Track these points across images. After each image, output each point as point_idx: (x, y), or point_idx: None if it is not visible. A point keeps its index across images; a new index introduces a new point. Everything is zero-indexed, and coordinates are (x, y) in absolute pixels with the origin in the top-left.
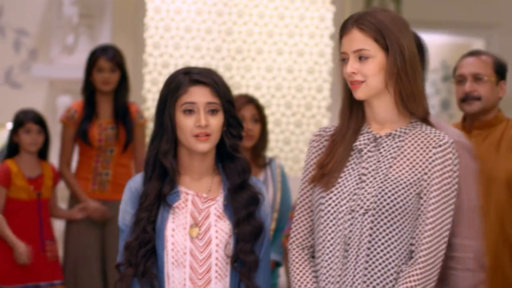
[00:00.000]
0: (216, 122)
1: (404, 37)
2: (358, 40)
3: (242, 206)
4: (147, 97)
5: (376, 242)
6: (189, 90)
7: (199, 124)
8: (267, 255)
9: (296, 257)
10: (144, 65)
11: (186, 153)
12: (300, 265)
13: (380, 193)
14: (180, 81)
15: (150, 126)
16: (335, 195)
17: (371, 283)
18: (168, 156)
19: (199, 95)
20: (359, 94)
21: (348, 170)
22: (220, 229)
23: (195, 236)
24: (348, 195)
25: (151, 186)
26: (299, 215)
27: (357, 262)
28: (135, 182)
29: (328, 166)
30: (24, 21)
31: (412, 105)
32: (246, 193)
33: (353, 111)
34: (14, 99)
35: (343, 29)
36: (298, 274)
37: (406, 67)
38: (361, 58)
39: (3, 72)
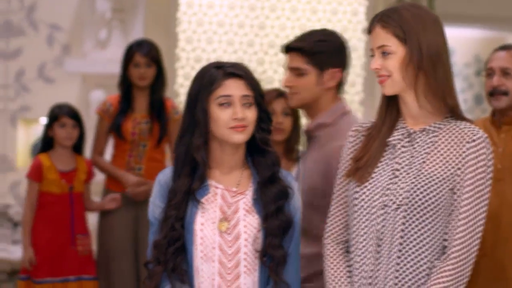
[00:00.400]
0: (251, 114)
1: (426, 33)
2: (380, 36)
3: (271, 200)
4: (179, 91)
5: (408, 238)
6: (224, 83)
7: (236, 117)
8: (297, 250)
9: (331, 252)
10: (176, 60)
11: (218, 147)
12: (335, 260)
13: (412, 188)
14: (214, 75)
15: None
16: (368, 189)
17: (403, 278)
18: (201, 150)
19: (235, 88)
20: (385, 90)
21: (382, 165)
22: (249, 224)
23: (224, 231)
24: (381, 190)
25: (180, 183)
26: (334, 210)
27: (389, 257)
28: (165, 175)
29: (362, 160)
30: (57, 16)
31: (434, 101)
32: (275, 187)
33: (389, 106)
34: (47, 94)
35: (370, 26)
36: (332, 269)
37: (423, 63)
38: (384, 54)
39: (36, 67)
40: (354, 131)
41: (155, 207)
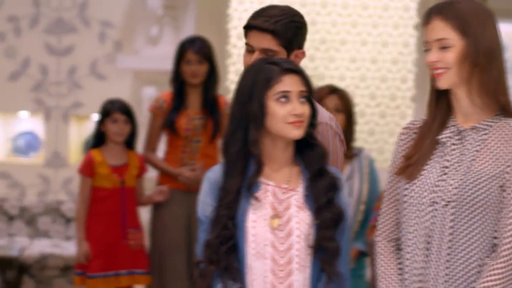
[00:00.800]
0: (307, 110)
1: (484, 28)
2: (439, 29)
3: (322, 192)
4: (231, 88)
5: (458, 234)
6: (283, 79)
7: (295, 113)
8: (347, 244)
9: (382, 249)
10: (228, 56)
11: (270, 143)
12: (386, 257)
13: (461, 185)
14: (271, 71)
15: None
16: (417, 186)
17: (453, 275)
18: (257, 144)
19: (293, 84)
20: (441, 83)
21: (432, 162)
22: (301, 220)
23: (276, 228)
24: (430, 186)
25: (232, 182)
26: (385, 207)
27: (439, 254)
28: (214, 173)
29: (413, 158)
30: (109, 13)
31: (486, 97)
32: (325, 179)
33: (438, 103)
34: (99, 90)
35: (426, 19)
36: (383, 266)
37: (479, 58)
38: (443, 47)
39: (88, 64)
40: (405, 129)
41: (205, 205)
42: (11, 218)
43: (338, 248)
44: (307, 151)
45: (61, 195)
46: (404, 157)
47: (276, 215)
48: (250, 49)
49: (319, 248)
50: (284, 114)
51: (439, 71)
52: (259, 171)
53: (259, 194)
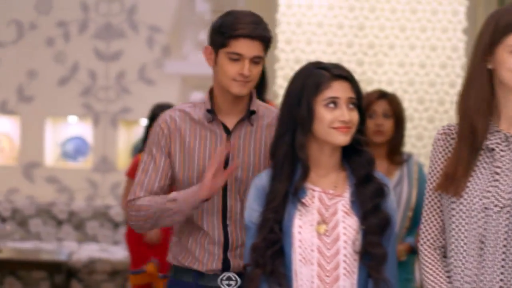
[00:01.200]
0: (355, 116)
1: None
2: None
3: (368, 198)
4: (279, 93)
5: None
6: (332, 85)
7: (343, 119)
8: (394, 251)
9: (429, 258)
10: (276, 61)
11: (317, 147)
12: (433, 266)
13: None
14: (321, 76)
15: None
16: (466, 193)
17: (508, 281)
18: (304, 148)
19: (342, 90)
20: None
21: (479, 169)
22: (348, 226)
23: (322, 233)
24: (481, 193)
25: (279, 186)
26: (428, 215)
27: (494, 260)
28: (261, 179)
29: (456, 173)
30: (157, 18)
31: None
32: (371, 185)
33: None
34: (148, 95)
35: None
36: (431, 275)
37: None
38: None
39: (136, 69)
40: (442, 135)
41: (252, 211)
42: (59, 223)
43: (385, 254)
44: (354, 156)
45: (109, 200)
46: (445, 174)
47: (323, 221)
48: (235, 58)
49: (365, 254)
50: (331, 120)
51: None
52: (305, 175)
53: (306, 199)
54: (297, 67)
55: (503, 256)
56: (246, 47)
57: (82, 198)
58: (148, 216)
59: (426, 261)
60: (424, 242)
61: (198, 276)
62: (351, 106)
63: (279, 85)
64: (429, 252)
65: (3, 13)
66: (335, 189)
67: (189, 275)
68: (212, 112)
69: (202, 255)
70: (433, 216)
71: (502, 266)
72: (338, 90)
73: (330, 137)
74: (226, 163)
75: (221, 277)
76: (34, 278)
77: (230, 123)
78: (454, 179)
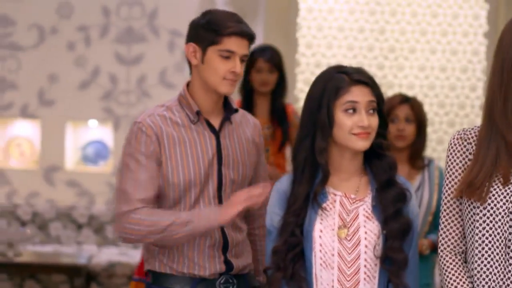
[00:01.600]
0: (375, 121)
1: None
2: None
3: (390, 203)
4: (299, 97)
5: None
6: (351, 90)
7: (362, 125)
8: (416, 255)
9: (450, 263)
10: (296, 65)
11: (337, 152)
12: (456, 271)
13: None
14: (341, 80)
15: None
16: (492, 200)
17: None
18: (323, 153)
19: (361, 95)
20: None
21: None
22: (369, 230)
23: (343, 237)
24: (504, 197)
25: (300, 189)
26: (447, 220)
27: None
28: (282, 183)
29: (480, 179)
30: (177, 22)
31: None
32: (393, 190)
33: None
34: (168, 99)
35: None
36: (454, 281)
37: None
38: None
39: (157, 73)
40: (458, 140)
41: (274, 215)
42: (79, 226)
43: (406, 259)
44: (375, 161)
45: None
46: (468, 179)
47: (344, 225)
48: (226, 56)
49: (386, 259)
50: (351, 125)
51: None
52: (325, 180)
53: (327, 204)
54: (317, 71)
55: None
56: (238, 45)
57: (102, 202)
58: (150, 232)
59: (448, 266)
60: (445, 248)
61: (196, 282)
62: (371, 111)
63: (300, 89)
64: (450, 258)
65: (24, 17)
66: (356, 193)
67: (185, 282)
68: (199, 113)
69: (202, 259)
70: (453, 222)
71: None
72: (358, 94)
73: (350, 143)
74: (219, 162)
75: (219, 280)
76: (54, 281)
77: (214, 122)
78: (478, 185)
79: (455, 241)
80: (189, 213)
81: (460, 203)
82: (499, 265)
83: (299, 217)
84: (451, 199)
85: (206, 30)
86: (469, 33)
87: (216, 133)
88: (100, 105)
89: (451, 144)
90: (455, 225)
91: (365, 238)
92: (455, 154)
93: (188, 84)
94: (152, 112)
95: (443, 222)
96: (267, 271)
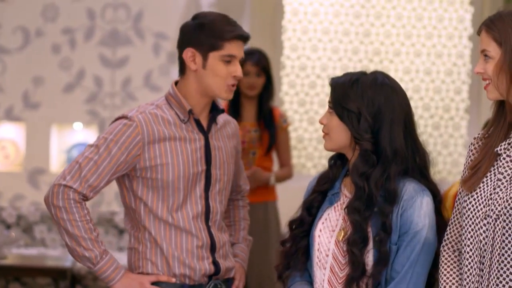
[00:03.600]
0: (331, 121)
1: None
2: (484, 40)
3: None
4: (284, 99)
5: (508, 249)
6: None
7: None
8: (417, 267)
9: (446, 258)
10: (281, 68)
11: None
12: (448, 266)
13: (511, 198)
14: None
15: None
16: (474, 199)
17: None
18: (335, 156)
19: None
20: (488, 95)
21: (490, 175)
22: None
23: (340, 240)
24: (485, 200)
25: (325, 172)
26: (453, 218)
27: (490, 269)
28: (314, 179)
29: (475, 169)
30: (163, 25)
31: None
32: (381, 219)
33: (500, 113)
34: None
35: (478, 30)
36: (445, 275)
37: None
38: (486, 58)
39: (142, 75)
40: (475, 139)
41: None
42: None
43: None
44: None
45: (114, 206)
46: (469, 167)
47: (344, 228)
48: (228, 60)
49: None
50: None
51: (485, 82)
52: (334, 179)
53: (337, 204)
54: (302, 74)
55: (499, 267)
56: (238, 49)
57: (87, 204)
58: (63, 227)
59: (444, 262)
60: (446, 244)
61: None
62: (330, 111)
63: (285, 92)
64: (447, 253)
65: (9, 20)
66: None
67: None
68: (191, 113)
69: (192, 260)
70: (457, 219)
71: (497, 278)
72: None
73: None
74: (208, 162)
75: (208, 285)
76: (39, 284)
77: (203, 122)
78: (472, 175)
79: (455, 238)
80: (103, 250)
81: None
82: (477, 267)
83: (314, 198)
84: (459, 198)
85: (206, 35)
86: (454, 36)
87: (205, 133)
88: (85, 108)
89: (470, 144)
90: (458, 222)
91: None
92: (470, 153)
93: (176, 83)
94: (143, 110)
95: (451, 220)
96: (284, 243)
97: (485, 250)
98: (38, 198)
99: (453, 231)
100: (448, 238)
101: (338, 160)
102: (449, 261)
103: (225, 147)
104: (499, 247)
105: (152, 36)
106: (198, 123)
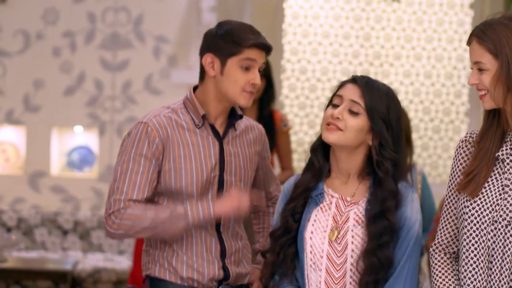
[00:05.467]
0: (351, 120)
1: None
2: (476, 52)
3: (374, 235)
4: (285, 103)
5: None
6: (344, 86)
7: (331, 114)
8: (410, 263)
9: (439, 261)
10: (282, 71)
11: (332, 151)
12: (443, 269)
13: None
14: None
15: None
16: (478, 205)
17: None
18: (318, 152)
19: (349, 92)
20: (484, 105)
21: (491, 179)
22: (356, 235)
23: (333, 240)
24: (491, 205)
25: (302, 179)
26: (444, 220)
27: (501, 274)
28: (289, 183)
29: (472, 174)
30: (163, 28)
31: None
32: (382, 223)
33: (494, 117)
34: (154, 105)
35: (468, 40)
36: (440, 277)
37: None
38: (480, 70)
39: (143, 79)
40: (464, 142)
41: (277, 214)
42: (65, 232)
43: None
44: (377, 182)
45: None
46: (464, 173)
47: (336, 227)
48: (247, 66)
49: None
50: (326, 116)
51: (481, 92)
52: (317, 178)
53: (323, 204)
54: (303, 78)
55: (511, 270)
56: (258, 55)
57: (87, 208)
58: (142, 227)
59: (437, 264)
60: (437, 247)
61: None
62: (353, 111)
63: (285, 95)
64: (440, 256)
65: (10, 23)
66: (352, 196)
67: None
68: (205, 118)
69: (201, 264)
70: (449, 223)
71: (510, 281)
72: (345, 90)
73: (322, 133)
74: (221, 167)
75: None
76: (39, 287)
77: (219, 128)
78: (470, 180)
79: (448, 241)
80: (184, 206)
81: (457, 202)
82: (484, 272)
83: (297, 204)
84: (452, 199)
85: (226, 41)
86: (454, 39)
87: (220, 139)
88: (85, 111)
89: (457, 146)
90: (451, 226)
91: (352, 242)
92: (459, 156)
93: (195, 89)
94: (158, 113)
95: (440, 221)
96: (265, 254)
97: (493, 254)
98: (38, 201)
99: (445, 234)
100: (439, 242)
101: (320, 152)
102: (442, 264)
103: (243, 153)
104: (511, 252)
105: (152, 39)
106: (213, 128)
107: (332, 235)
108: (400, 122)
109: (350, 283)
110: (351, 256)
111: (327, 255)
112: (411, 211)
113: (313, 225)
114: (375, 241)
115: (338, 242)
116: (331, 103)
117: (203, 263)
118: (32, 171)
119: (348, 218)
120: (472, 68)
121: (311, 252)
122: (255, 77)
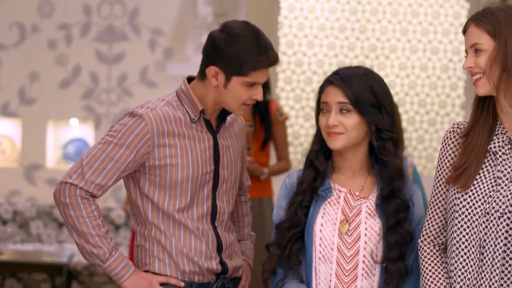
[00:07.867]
0: (347, 121)
1: None
2: (473, 34)
3: (391, 214)
4: (280, 95)
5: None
6: (326, 90)
7: (327, 124)
8: (416, 264)
9: (428, 253)
10: (278, 64)
11: (336, 151)
12: (432, 261)
13: None
14: (324, 81)
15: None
16: (469, 196)
17: (507, 286)
18: (319, 156)
19: (332, 95)
20: (478, 90)
21: (483, 172)
22: (369, 227)
23: (344, 232)
24: (483, 197)
25: (306, 177)
26: (432, 212)
27: (493, 266)
28: (291, 178)
29: (463, 167)
30: (159, 21)
31: None
32: (395, 201)
33: (484, 109)
34: (149, 98)
35: (464, 28)
36: (430, 271)
37: (508, 62)
38: (477, 51)
39: (138, 72)
40: (451, 133)
41: (280, 209)
42: (60, 225)
43: (403, 271)
44: (380, 165)
45: (110, 202)
46: (454, 167)
47: (346, 220)
48: (251, 84)
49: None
50: (323, 125)
51: (476, 76)
52: (322, 178)
53: (331, 199)
54: (298, 70)
55: (503, 262)
56: (264, 76)
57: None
58: (72, 226)
59: (426, 256)
60: (425, 239)
61: (194, 286)
62: (344, 111)
63: (281, 88)
64: (428, 248)
65: (5, 15)
66: (361, 191)
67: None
68: (203, 113)
69: (200, 259)
70: (437, 214)
71: (502, 272)
72: (328, 95)
73: (327, 142)
74: (216, 162)
75: (216, 284)
76: (35, 280)
77: (213, 122)
78: (461, 173)
79: (436, 232)
80: (114, 250)
81: (447, 194)
82: (474, 264)
83: (305, 198)
84: (440, 191)
85: (233, 60)
86: (450, 32)
87: (214, 132)
88: (81, 104)
89: (444, 137)
90: (439, 217)
91: (365, 235)
92: (448, 146)
93: (189, 80)
94: (154, 107)
95: (428, 214)
96: (270, 247)
97: (485, 246)
98: (34, 194)
99: (433, 225)
100: (427, 233)
101: (321, 155)
102: (431, 256)
103: (233, 145)
104: (503, 244)
105: (148, 32)
106: (207, 122)
107: (342, 227)
108: (388, 94)
109: (362, 274)
110: (364, 248)
111: (337, 247)
112: (418, 207)
113: (322, 217)
114: (393, 219)
115: (349, 234)
116: (320, 109)
117: (202, 258)
118: (28, 163)
119: (360, 211)
120: (466, 57)
121: (320, 245)
122: (258, 93)
